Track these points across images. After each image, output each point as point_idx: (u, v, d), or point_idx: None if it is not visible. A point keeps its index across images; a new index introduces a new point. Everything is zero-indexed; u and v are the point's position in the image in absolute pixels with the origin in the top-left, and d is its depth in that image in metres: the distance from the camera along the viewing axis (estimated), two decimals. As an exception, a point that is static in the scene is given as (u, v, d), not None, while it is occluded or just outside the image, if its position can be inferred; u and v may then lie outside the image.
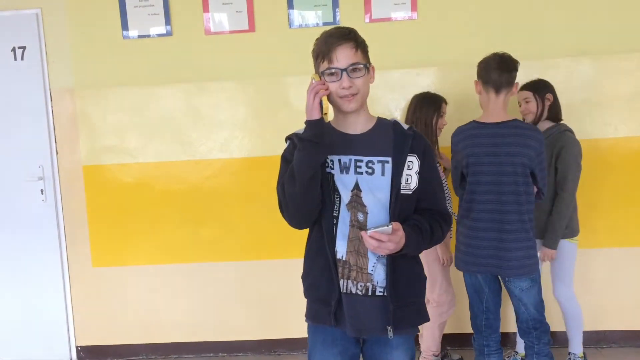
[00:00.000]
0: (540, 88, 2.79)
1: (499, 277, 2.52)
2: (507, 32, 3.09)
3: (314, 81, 1.62)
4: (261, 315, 3.38)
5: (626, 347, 3.27)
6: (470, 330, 2.67)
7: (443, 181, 2.89)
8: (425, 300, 1.81)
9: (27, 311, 3.47)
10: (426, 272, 2.81)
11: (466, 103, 3.08)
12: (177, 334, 3.45)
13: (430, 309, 2.90)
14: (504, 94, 2.42)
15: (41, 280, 3.44)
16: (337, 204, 1.66)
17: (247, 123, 3.29)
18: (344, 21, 3.12)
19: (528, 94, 2.79)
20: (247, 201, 3.29)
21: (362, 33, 1.69)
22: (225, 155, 3.31)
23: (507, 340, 3.14)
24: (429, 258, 2.85)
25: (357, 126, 1.71)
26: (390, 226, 1.57)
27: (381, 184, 1.65)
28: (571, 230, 2.79)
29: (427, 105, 2.86)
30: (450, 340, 3.24)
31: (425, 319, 1.77)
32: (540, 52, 3.11)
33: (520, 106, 2.85)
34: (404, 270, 1.68)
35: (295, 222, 1.69)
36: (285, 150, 1.72)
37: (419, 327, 1.80)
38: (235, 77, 3.26)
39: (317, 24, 3.15)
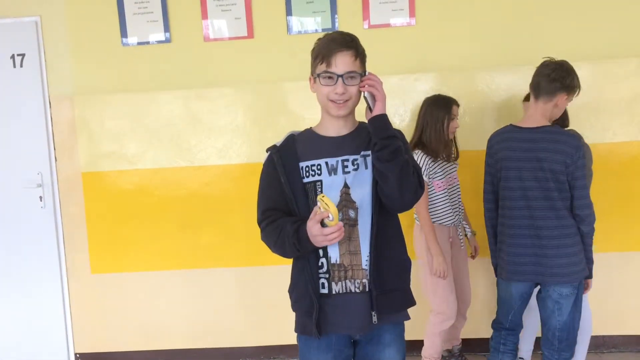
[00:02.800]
0: None
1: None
2: (506, 37, 3.10)
3: (330, 217, 1.54)
4: (261, 321, 3.37)
5: (626, 352, 3.27)
6: (487, 336, 2.66)
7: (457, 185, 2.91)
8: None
9: (26, 318, 3.45)
10: (429, 280, 2.84)
11: (466, 108, 3.09)
12: (177, 340, 3.43)
13: (431, 316, 2.90)
14: (543, 101, 2.40)
15: (40, 286, 3.43)
16: None
17: (246, 129, 3.29)
18: (343, 27, 3.12)
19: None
20: (246, 207, 3.23)
21: (361, 39, 1.70)
22: (224, 162, 3.31)
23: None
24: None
25: (343, 129, 1.73)
26: None
27: (366, 176, 1.68)
28: None
29: (438, 108, 2.83)
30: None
31: (411, 302, 1.77)
32: (538, 57, 3.09)
33: None
34: (388, 257, 1.69)
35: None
36: (264, 166, 1.75)
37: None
38: (234, 84, 3.27)
39: (316, 30, 3.16)
